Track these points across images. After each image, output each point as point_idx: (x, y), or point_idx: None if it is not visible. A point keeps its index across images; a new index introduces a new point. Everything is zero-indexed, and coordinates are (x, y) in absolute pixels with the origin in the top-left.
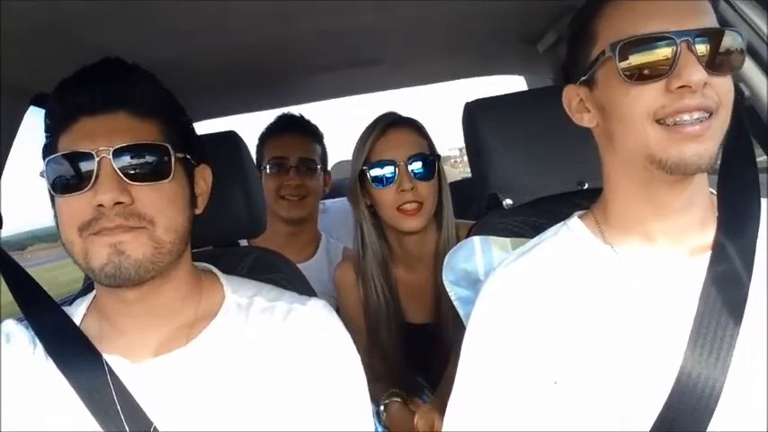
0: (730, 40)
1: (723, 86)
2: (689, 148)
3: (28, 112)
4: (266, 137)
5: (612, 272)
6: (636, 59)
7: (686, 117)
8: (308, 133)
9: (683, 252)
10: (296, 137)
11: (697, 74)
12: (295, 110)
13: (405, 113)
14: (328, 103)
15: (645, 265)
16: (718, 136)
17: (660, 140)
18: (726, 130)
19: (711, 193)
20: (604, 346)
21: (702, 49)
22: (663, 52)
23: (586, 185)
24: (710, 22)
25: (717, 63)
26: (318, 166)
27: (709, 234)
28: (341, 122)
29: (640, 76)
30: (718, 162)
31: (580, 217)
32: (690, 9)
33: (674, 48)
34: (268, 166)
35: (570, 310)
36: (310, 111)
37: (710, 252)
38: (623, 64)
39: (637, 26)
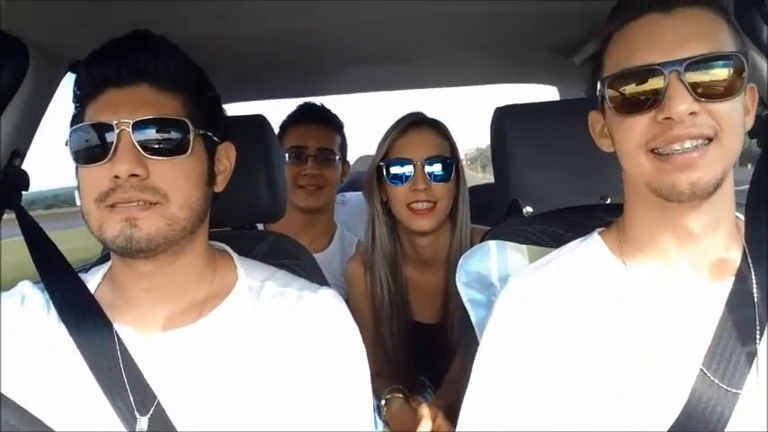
0: (728, 66)
1: (722, 111)
2: (680, 177)
3: (65, 78)
4: (287, 125)
5: (628, 291)
6: (625, 92)
7: (676, 147)
8: (328, 123)
9: (704, 275)
10: (316, 126)
11: (681, 105)
12: (324, 101)
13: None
14: (358, 96)
15: (662, 287)
16: (720, 161)
17: (653, 169)
18: (736, 153)
19: (738, 217)
20: (614, 365)
21: (695, 77)
22: (652, 84)
23: (609, 200)
24: (711, 46)
25: (713, 90)
26: (337, 157)
27: (732, 258)
28: (369, 117)
29: (630, 108)
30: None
31: (601, 233)
32: (685, 37)
33: (663, 79)
34: (287, 155)
35: (583, 326)
36: (339, 103)
37: (733, 277)
38: (613, 97)
39: (630, 58)
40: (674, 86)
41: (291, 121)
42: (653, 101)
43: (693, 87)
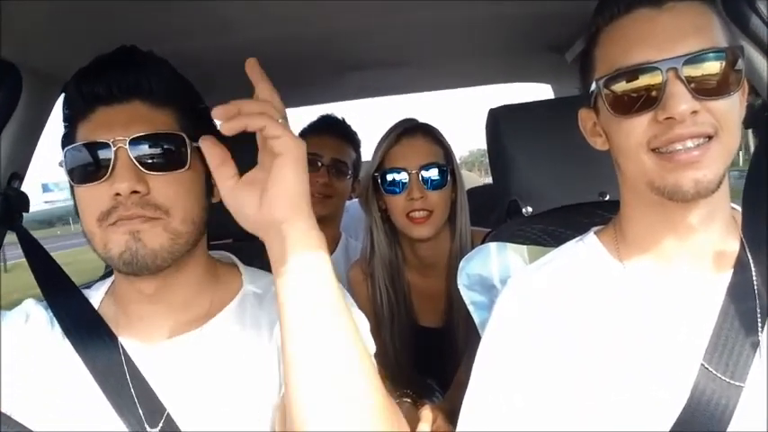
0: (725, 61)
1: (721, 109)
2: (685, 176)
3: (59, 99)
4: (305, 134)
5: (626, 289)
6: (622, 93)
7: (678, 146)
8: (346, 137)
9: (701, 269)
10: (333, 138)
11: (683, 104)
12: (320, 110)
13: (426, 118)
14: (353, 103)
15: (661, 284)
16: (721, 158)
17: (656, 169)
18: (735, 149)
19: (734, 208)
20: (615, 363)
21: (693, 74)
22: (649, 83)
23: (608, 197)
24: (706, 41)
25: (711, 87)
26: (349, 170)
27: (730, 249)
28: (365, 123)
29: (628, 108)
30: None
31: (597, 232)
32: (679, 32)
33: (661, 77)
34: None
35: (582, 325)
36: (337, 110)
37: (732, 269)
38: (609, 97)
39: (625, 56)
40: (673, 84)
41: (311, 129)
42: (651, 100)
43: (692, 85)
